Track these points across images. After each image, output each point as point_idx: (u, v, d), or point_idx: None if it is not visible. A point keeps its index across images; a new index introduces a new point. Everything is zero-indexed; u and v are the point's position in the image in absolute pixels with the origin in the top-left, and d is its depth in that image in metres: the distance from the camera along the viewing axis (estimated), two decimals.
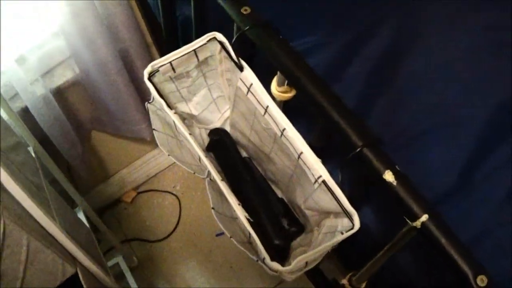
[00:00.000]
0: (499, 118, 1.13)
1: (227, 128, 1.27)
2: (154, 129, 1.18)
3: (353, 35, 1.23)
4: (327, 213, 1.00)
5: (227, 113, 1.26)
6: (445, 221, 0.80)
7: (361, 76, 1.17)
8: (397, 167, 0.82)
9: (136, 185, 2.30)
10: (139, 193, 2.30)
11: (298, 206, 1.11)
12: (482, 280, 0.78)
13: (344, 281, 1.19)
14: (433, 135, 1.12)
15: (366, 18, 1.27)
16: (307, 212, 1.06)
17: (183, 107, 1.24)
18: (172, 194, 2.29)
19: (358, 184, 0.98)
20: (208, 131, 1.29)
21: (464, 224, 1.00)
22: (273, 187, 1.23)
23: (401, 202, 0.80)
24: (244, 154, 1.28)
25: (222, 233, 2.15)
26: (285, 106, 1.07)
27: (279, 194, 1.22)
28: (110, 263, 1.96)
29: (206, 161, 1.00)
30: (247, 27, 0.98)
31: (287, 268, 0.89)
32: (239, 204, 0.98)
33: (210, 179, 1.06)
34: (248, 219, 0.98)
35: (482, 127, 1.13)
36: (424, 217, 0.79)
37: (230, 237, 1.04)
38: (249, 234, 0.94)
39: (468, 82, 1.18)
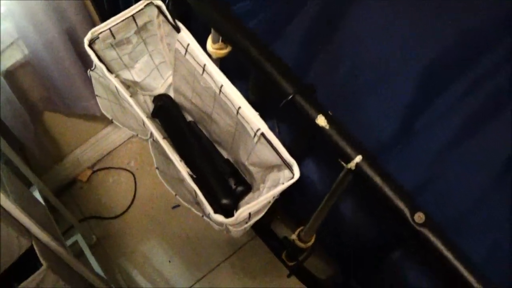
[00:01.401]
0: (435, 71, 1.17)
1: (171, 93, 1.28)
2: (97, 95, 1.18)
3: None
4: (270, 168, 1.03)
5: (170, 79, 1.27)
6: (378, 162, 0.82)
7: (300, 34, 1.18)
8: (329, 112, 0.84)
9: (91, 163, 2.30)
10: (94, 171, 2.30)
11: (243, 165, 1.13)
12: (419, 217, 0.80)
13: (294, 237, 1.22)
14: (371, 89, 1.15)
15: None
16: (252, 169, 1.08)
17: (125, 74, 1.24)
18: (127, 170, 2.29)
19: (297, 135, 1.00)
20: (152, 97, 1.29)
21: (404, 174, 1.03)
22: (219, 148, 1.25)
23: (334, 145, 0.82)
24: (189, 118, 1.29)
25: (178, 206, 2.16)
26: (223, 65, 1.08)
27: (225, 155, 1.24)
28: (69, 242, 1.97)
29: (148, 123, 1.01)
30: None
31: (230, 219, 0.91)
32: (181, 161, 0.99)
33: (153, 139, 1.07)
34: (192, 176, 0.99)
35: (419, 79, 1.15)
36: (358, 158, 0.81)
37: (175, 195, 1.06)
38: (194, 191, 0.95)
39: (405, 39, 1.21)
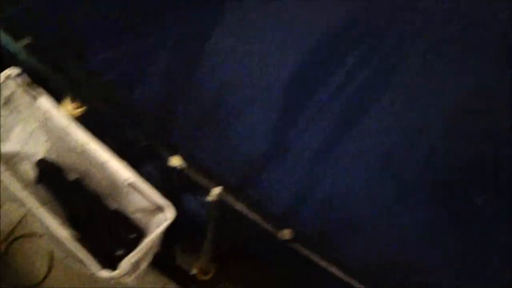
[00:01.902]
0: (295, 84, 1.22)
1: (53, 155, 1.28)
2: None
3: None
4: (151, 212, 1.05)
5: (50, 142, 1.28)
6: (237, 188, 0.86)
7: (159, 74, 1.21)
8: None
9: (3, 235, 2.23)
10: (10, 241, 2.22)
11: (131, 212, 1.14)
12: (286, 234, 0.85)
13: (194, 271, 1.24)
14: (239, 111, 1.18)
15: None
16: (136, 215, 1.10)
17: (3, 147, 1.23)
18: (42, 236, 2.23)
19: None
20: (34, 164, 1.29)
21: (282, 189, 1.06)
22: (109, 199, 1.25)
23: (195, 182, 0.86)
24: (74, 176, 1.29)
25: None
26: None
27: (115, 205, 1.24)
28: None
29: (21, 195, 1.02)
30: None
31: (115, 273, 0.93)
32: (62, 224, 1.00)
33: None
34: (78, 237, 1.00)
35: (283, 92, 1.20)
36: (217, 190, 0.85)
37: (65, 257, 1.06)
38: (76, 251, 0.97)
39: (263, 54, 1.25)
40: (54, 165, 1.29)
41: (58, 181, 1.27)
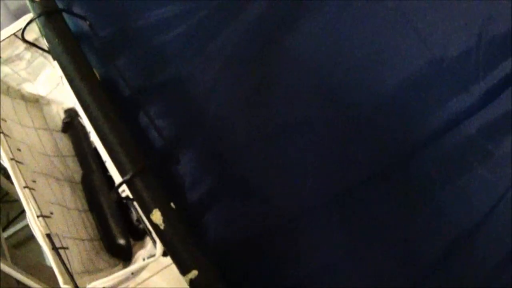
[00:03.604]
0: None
1: None
2: None
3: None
4: None
5: None
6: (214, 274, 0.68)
7: (223, 54, 1.00)
8: (172, 204, 0.70)
9: None
10: None
11: None
12: None
13: None
14: None
15: None
16: None
17: (28, 87, 1.13)
18: None
19: None
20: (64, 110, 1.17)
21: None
22: None
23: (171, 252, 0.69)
24: None
25: None
26: None
27: None
28: None
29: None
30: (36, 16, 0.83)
31: None
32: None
33: None
34: None
35: None
36: (193, 274, 0.68)
37: None
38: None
39: None
40: (79, 121, 1.16)
41: (80, 140, 1.15)
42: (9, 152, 0.90)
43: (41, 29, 0.83)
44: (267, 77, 0.96)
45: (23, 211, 1.48)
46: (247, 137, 0.90)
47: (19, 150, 0.95)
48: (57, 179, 1.04)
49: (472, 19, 1.03)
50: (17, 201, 1.71)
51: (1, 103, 1.05)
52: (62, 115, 1.18)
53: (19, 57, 1.03)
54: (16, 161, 0.90)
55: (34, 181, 0.93)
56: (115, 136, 0.72)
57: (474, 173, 0.93)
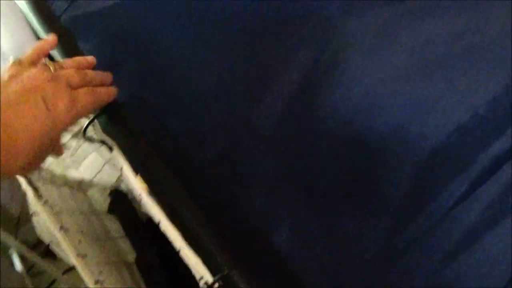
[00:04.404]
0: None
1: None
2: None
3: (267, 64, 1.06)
4: None
5: None
6: None
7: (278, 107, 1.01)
8: None
9: None
10: None
11: None
12: None
13: None
14: None
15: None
16: None
17: (72, 173, 1.13)
18: None
19: None
20: (109, 191, 1.18)
21: None
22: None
23: None
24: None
25: None
26: None
27: None
28: None
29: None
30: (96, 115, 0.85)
31: None
32: None
33: None
34: None
35: None
36: None
37: None
38: None
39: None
40: (126, 198, 1.16)
41: (129, 217, 1.15)
42: (73, 249, 0.90)
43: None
44: None
45: None
46: None
47: (80, 242, 0.95)
48: (114, 264, 1.04)
49: (500, 64, 1.06)
50: None
51: (47, 192, 1.05)
52: (107, 197, 1.19)
53: (64, 146, 1.03)
54: (82, 257, 0.90)
55: (101, 272, 0.93)
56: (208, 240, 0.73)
57: None
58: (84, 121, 0.94)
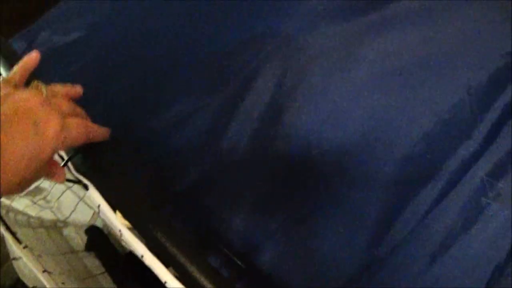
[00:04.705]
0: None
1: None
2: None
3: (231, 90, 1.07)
4: None
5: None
6: None
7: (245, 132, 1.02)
8: None
9: None
10: None
11: None
12: None
13: None
14: None
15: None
16: None
17: (47, 215, 1.12)
18: None
19: None
20: (84, 230, 1.17)
21: None
22: None
23: None
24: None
25: None
26: None
27: None
28: None
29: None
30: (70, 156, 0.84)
31: None
32: None
33: None
34: None
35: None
36: None
37: None
38: None
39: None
40: (103, 235, 1.16)
41: (105, 252, 1.15)
42: None
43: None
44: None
45: None
46: None
47: (63, 283, 0.94)
48: None
49: (459, 70, 1.09)
50: None
51: (25, 235, 1.04)
52: (83, 235, 1.18)
53: (38, 188, 1.03)
54: None
55: None
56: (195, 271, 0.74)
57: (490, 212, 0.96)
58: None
